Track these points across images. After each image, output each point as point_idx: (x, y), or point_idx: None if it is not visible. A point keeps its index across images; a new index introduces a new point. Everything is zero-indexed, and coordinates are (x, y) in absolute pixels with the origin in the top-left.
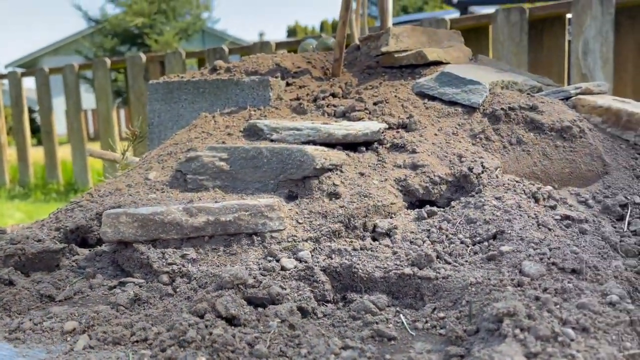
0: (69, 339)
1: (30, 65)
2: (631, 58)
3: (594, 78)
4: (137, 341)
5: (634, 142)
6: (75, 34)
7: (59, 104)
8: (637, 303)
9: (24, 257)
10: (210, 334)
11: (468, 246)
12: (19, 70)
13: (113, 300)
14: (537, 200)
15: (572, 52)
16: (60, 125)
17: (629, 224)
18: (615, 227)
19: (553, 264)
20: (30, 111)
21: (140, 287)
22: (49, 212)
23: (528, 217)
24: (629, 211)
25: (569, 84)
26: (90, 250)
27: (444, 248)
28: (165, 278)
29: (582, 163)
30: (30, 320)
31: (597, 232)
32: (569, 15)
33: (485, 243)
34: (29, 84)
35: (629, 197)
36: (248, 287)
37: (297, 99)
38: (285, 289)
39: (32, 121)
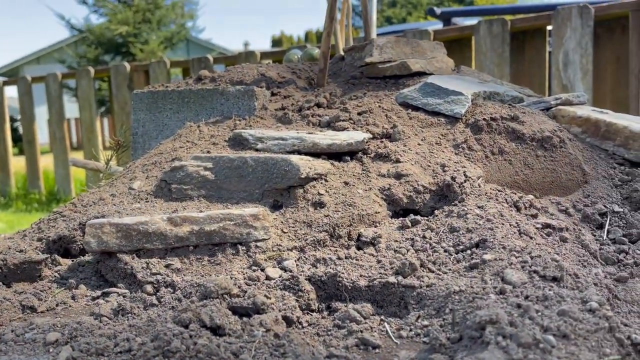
0: (51, 350)
1: (12, 74)
2: (610, 70)
3: (574, 89)
4: (120, 352)
5: (612, 151)
6: (59, 42)
7: (41, 113)
8: (616, 310)
9: (6, 268)
10: (195, 344)
11: (451, 255)
12: (1, 79)
13: (96, 311)
14: (518, 209)
15: (552, 63)
16: (42, 134)
17: (608, 232)
18: (595, 236)
19: (534, 271)
20: (12, 120)
21: (124, 297)
22: (31, 222)
23: (510, 225)
24: (608, 219)
25: (549, 94)
26: (73, 261)
27: (427, 257)
28: (149, 288)
29: (563, 172)
30: (12, 331)
31: (577, 240)
32: (549, 27)
33: (468, 251)
34: (11, 92)
35: (608, 206)
36: (233, 296)
37: (282, 108)
38: (270, 298)
39: (14, 130)
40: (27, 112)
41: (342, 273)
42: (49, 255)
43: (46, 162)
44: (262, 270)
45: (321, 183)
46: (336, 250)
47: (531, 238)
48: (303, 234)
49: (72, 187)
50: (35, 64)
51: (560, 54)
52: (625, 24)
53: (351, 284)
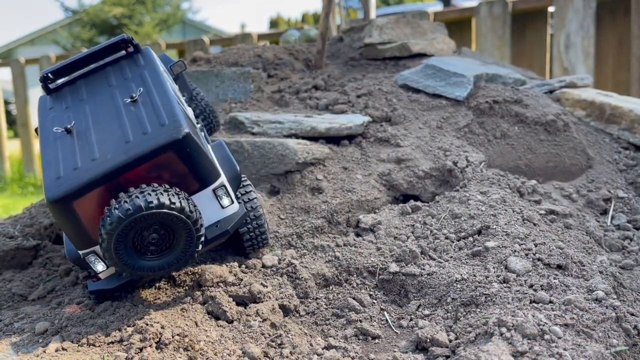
0: (40, 340)
1: (6, 56)
2: (612, 52)
3: (575, 71)
4: (112, 342)
5: (617, 135)
6: (53, 24)
7: (36, 96)
8: (622, 298)
9: None
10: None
11: (453, 242)
12: None
13: (88, 300)
14: (521, 195)
15: (554, 45)
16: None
17: (612, 218)
18: (599, 222)
19: (539, 259)
20: (6, 103)
21: None
22: (26, 206)
23: (513, 211)
24: (613, 205)
25: (550, 77)
26: (63, 249)
27: (428, 244)
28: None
29: (566, 157)
30: (0, 320)
31: (582, 226)
32: (551, 9)
33: (470, 238)
34: (4, 75)
35: (612, 191)
36: (229, 285)
37: (279, 91)
38: (266, 286)
39: (7, 113)
40: (21, 94)
41: (341, 260)
42: (41, 242)
43: None
44: (259, 258)
45: (319, 168)
46: (334, 237)
47: (535, 224)
48: (300, 221)
49: None
50: (30, 45)
51: (561, 36)
52: (628, 6)
53: (349, 272)
